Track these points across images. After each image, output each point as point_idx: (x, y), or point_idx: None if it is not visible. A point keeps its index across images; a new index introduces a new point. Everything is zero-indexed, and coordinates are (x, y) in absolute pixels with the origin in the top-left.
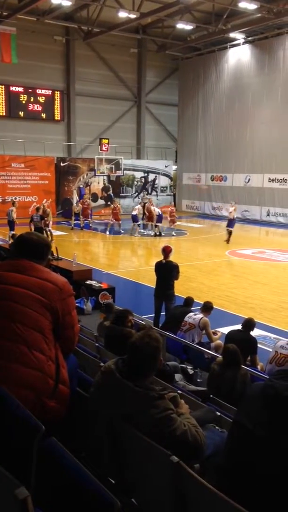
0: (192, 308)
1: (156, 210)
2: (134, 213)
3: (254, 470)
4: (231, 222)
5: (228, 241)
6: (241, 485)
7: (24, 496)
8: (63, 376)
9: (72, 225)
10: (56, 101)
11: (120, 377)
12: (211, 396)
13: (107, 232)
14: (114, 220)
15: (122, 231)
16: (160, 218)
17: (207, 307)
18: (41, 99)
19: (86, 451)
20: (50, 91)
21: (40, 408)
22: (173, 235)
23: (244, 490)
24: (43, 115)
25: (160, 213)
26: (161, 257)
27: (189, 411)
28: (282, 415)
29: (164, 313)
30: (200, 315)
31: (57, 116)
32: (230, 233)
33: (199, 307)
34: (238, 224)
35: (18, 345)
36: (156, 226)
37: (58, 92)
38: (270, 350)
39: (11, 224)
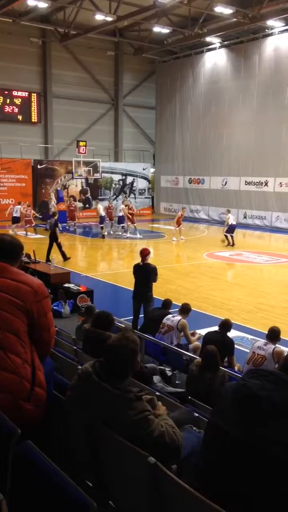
0: (170, 310)
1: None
2: (120, 214)
3: (228, 469)
4: (229, 228)
5: (228, 243)
6: (217, 485)
7: None
8: (40, 379)
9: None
10: (32, 103)
11: (97, 379)
12: (189, 397)
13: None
14: (108, 220)
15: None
16: (122, 219)
17: (185, 309)
18: (17, 101)
19: (63, 454)
20: (27, 93)
21: (17, 411)
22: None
23: (220, 490)
24: (20, 117)
25: (122, 214)
26: (139, 260)
27: (167, 412)
28: (255, 414)
29: (142, 315)
30: (178, 317)
31: (34, 118)
32: (231, 237)
33: (178, 309)
34: (215, 227)
35: None
36: (122, 227)
37: (35, 94)
38: (248, 351)
39: (16, 219)
